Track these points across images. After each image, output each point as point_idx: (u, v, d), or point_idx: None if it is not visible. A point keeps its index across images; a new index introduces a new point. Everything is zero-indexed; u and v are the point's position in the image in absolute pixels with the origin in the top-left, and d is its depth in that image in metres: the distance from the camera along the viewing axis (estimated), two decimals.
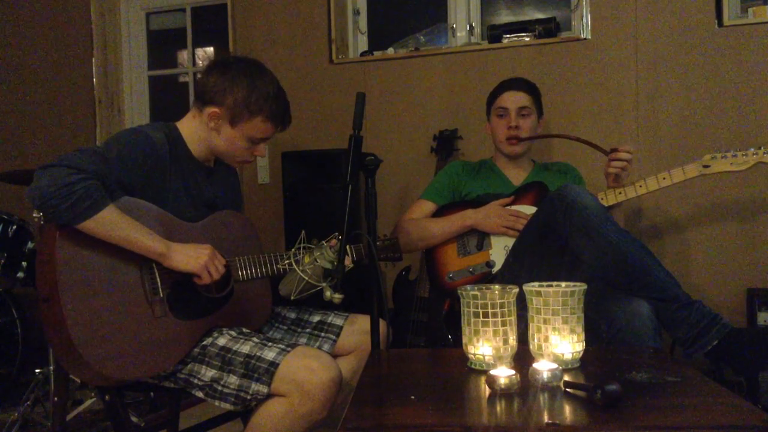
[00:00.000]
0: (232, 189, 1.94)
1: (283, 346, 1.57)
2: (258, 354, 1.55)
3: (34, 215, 2.35)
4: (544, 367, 1.21)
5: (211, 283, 1.63)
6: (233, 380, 1.55)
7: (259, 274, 1.74)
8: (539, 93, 2.40)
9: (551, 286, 1.36)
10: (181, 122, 1.77)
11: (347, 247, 1.69)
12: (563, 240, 1.87)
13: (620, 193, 2.11)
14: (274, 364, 1.52)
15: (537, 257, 1.97)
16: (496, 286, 1.39)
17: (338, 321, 1.85)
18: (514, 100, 2.32)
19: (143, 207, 1.60)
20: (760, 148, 2.04)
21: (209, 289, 1.66)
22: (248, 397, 1.53)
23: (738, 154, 2.05)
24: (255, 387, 1.53)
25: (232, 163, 1.85)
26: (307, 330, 1.86)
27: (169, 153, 1.67)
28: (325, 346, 1.81)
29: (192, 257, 1.59)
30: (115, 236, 1.51)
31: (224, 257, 1.67)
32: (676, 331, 1.76)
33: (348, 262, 1.76)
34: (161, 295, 1.59)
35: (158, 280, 1.59)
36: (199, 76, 1.78)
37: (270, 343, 1.58)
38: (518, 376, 1.18)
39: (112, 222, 1.50)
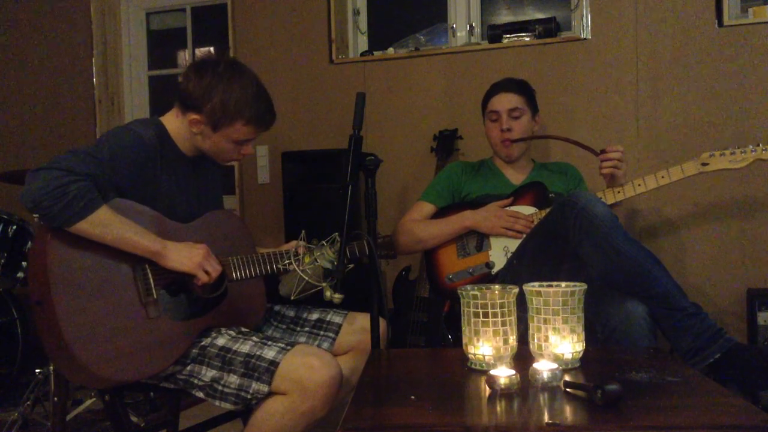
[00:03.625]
0: (216, 180, 1.94)
1: (283, 345, 1.57)
2: (258, 353, 1.55)
3: (35, 215, 2.35)
4: (544, 367, 1.20)
5: (205, 283, 1.63)
6: (233, 380, 1.55)
7: (254, 274, 1.74)
8: (531, 91, 2.38)
9: (551, 286, 1.36)
10: (166, 118, 1.77)
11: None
12: (571, 247, 1.86)
13: (619, 192, 2.11)
14: (274, 363, 1.52)
15: (539, 262, 1.97)
16: (496, 286, 1.39)
17: (337, 319, 1.85)
18: (504, 102, 2.32)
19: (135, 208, 1.60)
20: (758, 145, 2.04)
21: (203, 290, 1.66)
22: (249, 397, 1.54)
23: (736, 152, 2.05)
24: (255, 386, 1.53)
25: (221, 163, 1.85)
26: (306, 328, 1.86)
27: (160, 149, 1.68)
28: (324, 345, 1.81)
29: (187, 257, 1.59)
30: (110, 236, 1.51)
31: (218, 257, 1.67)
32: (679, 340, 1.74)
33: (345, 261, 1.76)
34: (154, 296, 1.58)
35: (151, 280, 1.59)
36: (182, 73, 1.78)
37: (270, 342, 1.58)
38: (518, 376, 1.18)
39: (106, 222, 1.50)
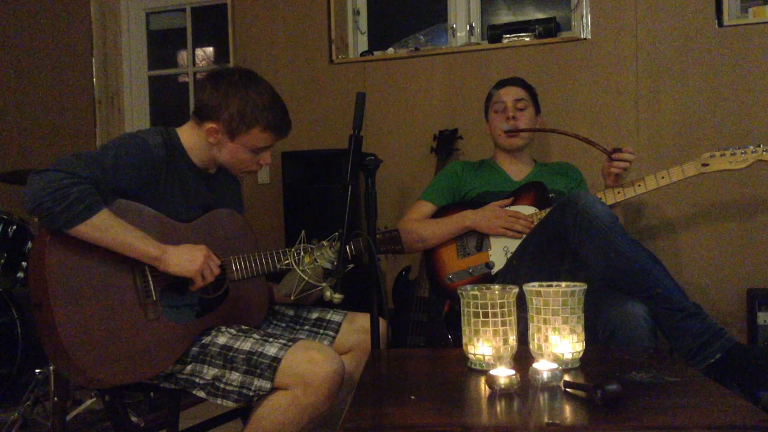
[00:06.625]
0: (234, 195, 1.93)
1: (284, 341, 1.57)
2: (260, 350, 1.55)
3: (35, 218, 2.35)
4: (544, 367, 1.20)
5: (201, 287, 1.63)
6: (235, 377, 1.55)
7: (255, 273, 1.73)
8: (535, 91, 2.43)
9: (551, 286, 1.36)
10: (182, 129, 1.76)
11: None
12: (571, 247, 1.86)
13: (619, 192, 2.11)
14: (276, 359, 1.52)
15: (539, 262, 1.97)
16: (496, 286, 1.39)
17: (337, 318, 1.86)
18: (510, 93, 2.36)
19: (137, 209, 1.60)
20: (759, 146, 2.04)
21: (205, 291, 1.65)
22: (251, 394, 1.53)
23: (737, 152, 2.05)
24: (258, 383, 1.53)
25: (237, 174, 1.84)
26: (306, 327, 1.86)
27: (166, 157, 1.66)
28: (324, 343, 1.81)
29: (186, 261, 1.58)
30: (109, 240, 1.51)
31: (219, 257, 1.67)
32: (680, 341, 1.74)
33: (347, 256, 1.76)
34: (154, 297, 1.58)
35: (150, 282, 1.58)
36: (198, 77, 1.77)
37: (271, 339, 1.58)
38: (518, 376, 1.18)
39: (106, 226, 1.49)
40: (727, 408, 1.10)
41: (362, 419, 1.09)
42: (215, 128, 1.70)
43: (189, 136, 1.75)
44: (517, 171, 2.39)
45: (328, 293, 1.60)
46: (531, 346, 1.37)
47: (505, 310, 1.33)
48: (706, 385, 1.24)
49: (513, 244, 2.12)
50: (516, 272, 2.03)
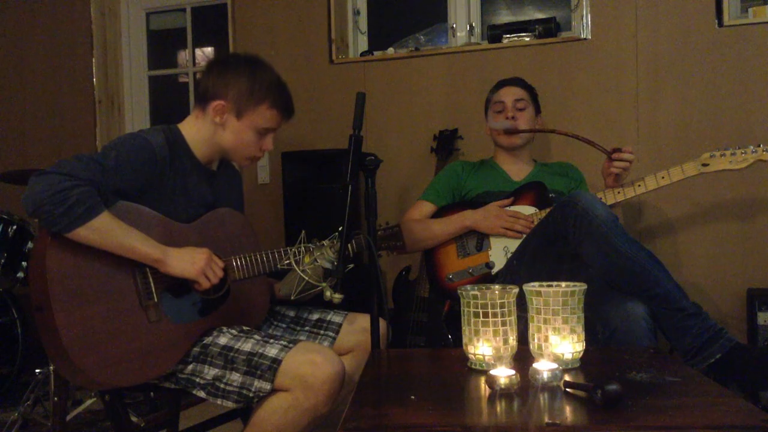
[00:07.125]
0: (235, 192, 1.93)
1: (285, 343, 1.57)
2: (260, 351, 1.55)
3: (35, 220, 2.35)
4: (544, 367, 1.20)
5: (206, 288, 1.63)
6: (236, 378, 1.55)
7: (256, 272, 1.73)
8: (535, 91, 2.43)
9: (551, 286, 1.36)
10: (183, 124, 1.76)
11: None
12: (571, 247, 1.86)
13: (619, 192, 2.11)
14: (276, 361, 1.52)
15: (539, 262, 1.97)
16: (496, 286, 1.39)
17: (337, 318, 1.86)
18: (509, 93, 2.37)
19: (137, 211, 1.59)
20: (759, 146, 2.04)
21: (206, 291, 1.66)
22: (251, 395, 1.54)
23: (737, 152, 2.05)
24: (258, 384, 1.53)
25: (240, 161, 1.82)
26: (306, 328, 1.86)
27: (169, 155, 1.66)
28: (325, 344, 1.81)
29: (188, 262, 1.58)
30: (110, 243, 1.50)
31: (221, 257, 1.67)
32: (680, 341, 1.74)
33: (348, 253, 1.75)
34: (155, 299, 1.58)
35: (152, 283, 1.58)
36: (198, 76, 1.78)
37: (272, 340, 1.58)
38: (518, 376, 1.18)
39: (106, 229, 1.49)
40: (727, 408, 1.10)
41: (362, 419, 1.09)
42: (223, 105, 1.70)
43: (191, 127, 1.75)
44: (518, 171, 2.39)
45: (328, 293, 1.60)
46: (531, 346, 1.37)
47: (505, 310, 1.33)
48: (706, 385, 1.24)
49: (513, 244, 2.12)
50: (516, 272, 2.03)
